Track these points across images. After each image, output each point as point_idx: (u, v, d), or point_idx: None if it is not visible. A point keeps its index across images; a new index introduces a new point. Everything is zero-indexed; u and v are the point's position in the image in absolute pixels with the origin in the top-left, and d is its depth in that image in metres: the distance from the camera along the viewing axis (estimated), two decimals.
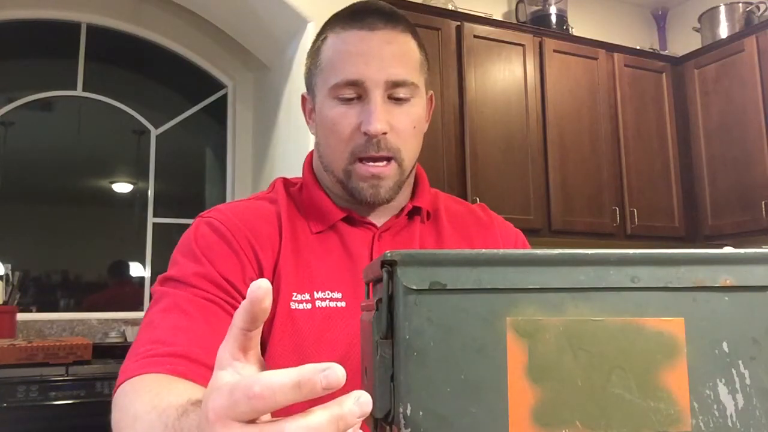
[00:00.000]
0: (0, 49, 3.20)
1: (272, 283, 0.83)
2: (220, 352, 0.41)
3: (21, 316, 2.84)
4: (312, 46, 0.91)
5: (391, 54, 0.84)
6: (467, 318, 0.40)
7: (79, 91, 3.32)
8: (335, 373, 0.35)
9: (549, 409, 0.40)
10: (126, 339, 2.96)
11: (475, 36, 2.93)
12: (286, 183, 0.95)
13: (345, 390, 0.36)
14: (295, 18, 2.88)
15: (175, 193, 3.50)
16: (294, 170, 1.27)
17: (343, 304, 0.84)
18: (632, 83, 3.32)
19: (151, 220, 3.36)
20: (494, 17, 3.14)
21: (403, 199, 0.93)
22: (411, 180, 0.94)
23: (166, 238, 3.35)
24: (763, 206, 3.02)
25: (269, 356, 0.81)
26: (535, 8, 3.30)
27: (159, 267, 3.29)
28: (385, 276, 0.40)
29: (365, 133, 0.83)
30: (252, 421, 0.36)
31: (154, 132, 3.46)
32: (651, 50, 3.59)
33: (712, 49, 3.31)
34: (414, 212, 0.94)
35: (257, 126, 3.57)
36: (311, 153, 0.97)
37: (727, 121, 3.22)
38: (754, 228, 3.08)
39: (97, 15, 3.35)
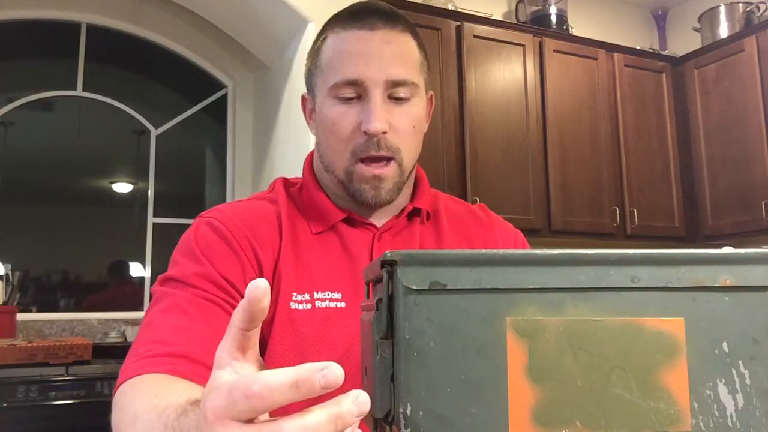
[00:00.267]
0: (0, 49, 3.20)
1: (272, 284, 0.83)
2: (218, 351, 0.41)
3: (21, 316, 2.84)
4: (312, 47, 0.91)
5: (391, 54, 0.84)
6: (467, 318, 0.40)
7: (79, 91, 3.32)
8: (333, 372, 0.35)
9: (549, 409, 0.39)
10: (126, 339, 2.96)
11: (475, 36, 2.93)
12: (286, 183, 0.95)
13: (344, 390, 0.36)
14: (295, 18, 2.88)
15: (175, 193, 3.50)
16: (294, 170, 1.27)
17: (343, 304, 0.84)
18: (632, 83, 3.32)
19: (151, 220, 3.36)
20: (494, 17, 3.14)
21: (403, 199, 0.93)
22: (411, 181, 0.94)
23: (166, 238, 3.35)
24: (763, 206, 3.01)
25: (269, 356, 0.81)
26: (535, 8, 3.30)
27: (159, 267, 3.29)
28: (385, 276, 0.40)
29: (365, 133, 0.83)
30: (250, 421, 0.36)
31: (154, 132, 3.46)
32: (651, 50, 3.58)
33: (712, 49, 3.31)
34: (414, 213, 0.94)
35: (257, 126, 3.57)
36: (311, 153, 0.97)
37: (727, 121, 3.21)
38: (754, 228, 3.08)
39: (97, 15, 3.35)
